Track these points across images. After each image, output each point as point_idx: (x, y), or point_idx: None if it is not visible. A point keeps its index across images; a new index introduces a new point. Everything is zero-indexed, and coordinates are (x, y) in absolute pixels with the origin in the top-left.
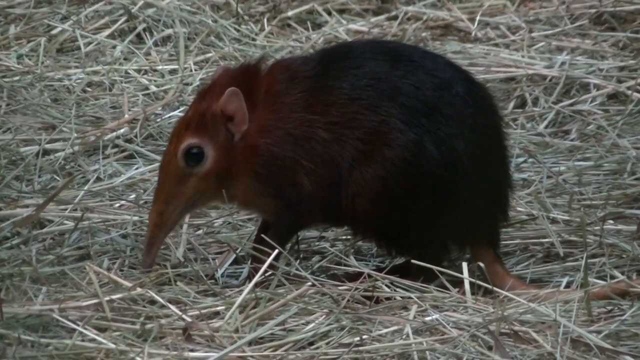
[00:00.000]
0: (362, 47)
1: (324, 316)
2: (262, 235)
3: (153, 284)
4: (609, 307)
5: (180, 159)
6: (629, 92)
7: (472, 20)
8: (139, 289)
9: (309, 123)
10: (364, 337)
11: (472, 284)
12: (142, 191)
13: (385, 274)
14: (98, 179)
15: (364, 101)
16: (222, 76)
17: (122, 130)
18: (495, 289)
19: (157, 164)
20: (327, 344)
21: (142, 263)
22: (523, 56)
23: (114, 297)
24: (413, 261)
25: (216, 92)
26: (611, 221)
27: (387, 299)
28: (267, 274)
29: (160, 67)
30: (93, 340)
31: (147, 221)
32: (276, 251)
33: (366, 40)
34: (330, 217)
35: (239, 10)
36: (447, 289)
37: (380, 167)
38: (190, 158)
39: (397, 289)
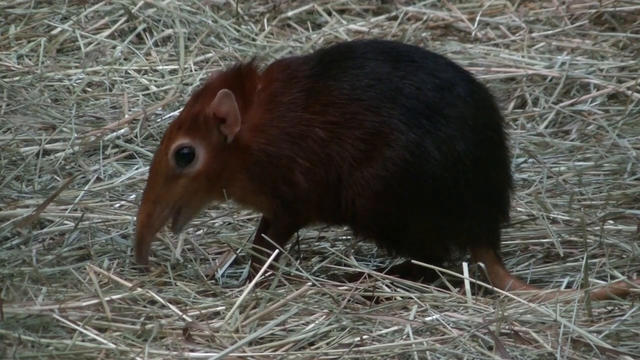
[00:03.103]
0: (363, 48)
1: (324, 316)
2: (262, 235)
3: (153, 284)
4: (609, 307)
5: (171, 159)
6: (629, 92)
7: (472, 20)
8: (139, 289)
9: (307, 122)
10: (365, 337)
11: (472, 284)
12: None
13: (386, 274)
14: (98, 179)
15: (364, 102)
16: (216, 78)
17: (122, 131)
18: (495, 289)
19: None
20: (327, 344)
21: (136, 262)
22: (523, 56)
23: (114, 297)
24: (413, 261)
25: (209, 94)
26: (611, 221)
27: (388, 299)
28: (267, 274)
29: (160, 67)
30: (93, 340)
31: None
32: (276, 251)
33: (367, 40)
34: (328, 216)
35: (239, 10)
36: (447, 289)
37: (381, 167)
38: (180, 158)
39: (398, 289)
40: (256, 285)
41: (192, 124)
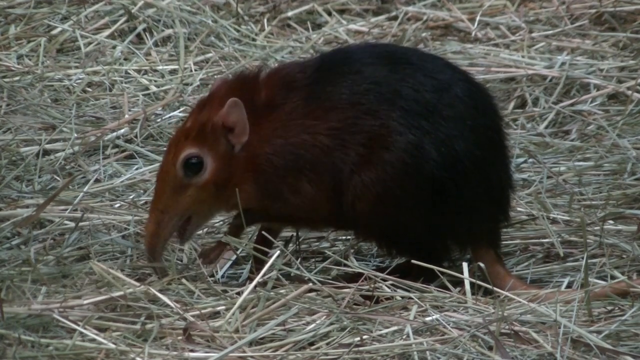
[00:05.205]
0: (360, 52)
1: (324, 316)
2: (264, 233)
3: (157, 283)
4: (609, 307)
5: (179, 169)
6: (629, 92)
7: (472, 20)
8: (139, 289)
9: (310, 130)
10: (365, 337)
11: (472, 284)
12: (142, 191)
13: (386, 274)
14: (98, 180)
15: (363, 105)
16: (221, 87)
17: (122, 131)
18: (495, 289)
19: (157, 164)
20: (327, 344)
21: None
22: (523, 56)
23: (114, 296)
24: (413, 261)
25: (216, 103)
26: (611, 221)
27: (388, 299)
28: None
29: (160, 67)
30: (93, 340)
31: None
32: (277, 251)
33: (364, 44)
34: (330, 220)
35: (239, 10)
36: (447, 289)
37: (380, 170)
38: (189, 168)
39: (398, 289)
40: (256, 285)
41: (200, 133)
